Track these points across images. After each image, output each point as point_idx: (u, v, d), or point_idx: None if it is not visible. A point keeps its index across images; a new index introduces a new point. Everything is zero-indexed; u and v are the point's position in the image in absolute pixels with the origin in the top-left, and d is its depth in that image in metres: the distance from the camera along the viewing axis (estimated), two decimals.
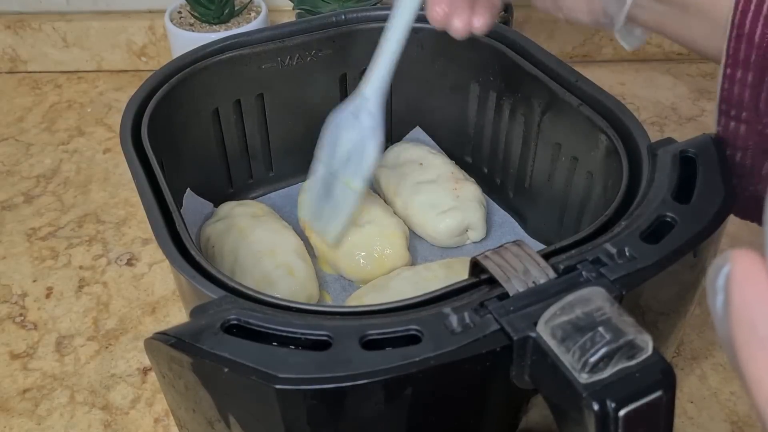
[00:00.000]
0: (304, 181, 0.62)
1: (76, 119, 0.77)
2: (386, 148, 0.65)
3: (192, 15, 0.74)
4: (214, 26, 0.74)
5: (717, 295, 0.19)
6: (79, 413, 0.49)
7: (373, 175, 0.61)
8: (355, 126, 0.48)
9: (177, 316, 0.56)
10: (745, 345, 0.18)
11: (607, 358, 0.27)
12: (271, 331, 0.31)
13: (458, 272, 0.51)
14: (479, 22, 0.44)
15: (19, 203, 0.66)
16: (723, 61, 0.38)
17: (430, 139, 0.65)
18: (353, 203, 0.51)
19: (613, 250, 0.34)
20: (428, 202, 0.57)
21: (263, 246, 0.53)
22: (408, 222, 0.57)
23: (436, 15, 0.44)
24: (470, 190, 0.58)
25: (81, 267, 0.60)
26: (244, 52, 0.55)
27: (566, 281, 0.32)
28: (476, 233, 0.57)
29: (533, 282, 0.32)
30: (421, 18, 0.59)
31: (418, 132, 0.65)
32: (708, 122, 0.76)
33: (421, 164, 0.60)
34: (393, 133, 0.66)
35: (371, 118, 0.48)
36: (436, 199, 0.57)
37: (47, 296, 0.57)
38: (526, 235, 0.59)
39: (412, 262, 0.56)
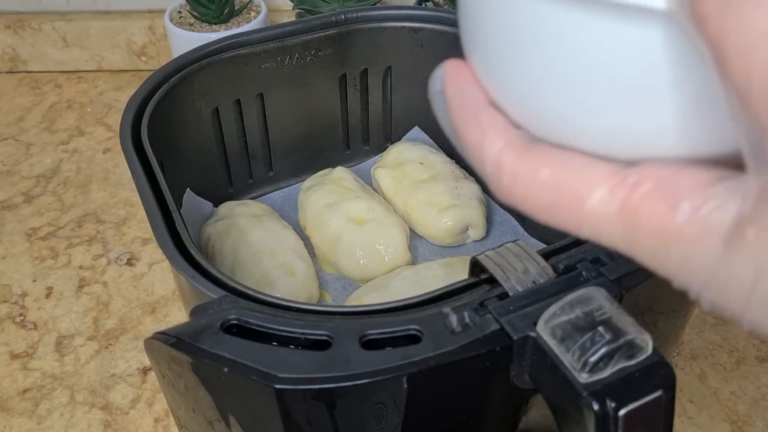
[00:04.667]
0: (303, 181, 0.62)
1: (76, 119, 0.77)
2: (386, 148, 0.65)
3: (192, 15, 0.74)
4: (213, 26, 0.74)
5: (437, 96, 0.22)
6: (79, 413, 0.49)
7: (373, 175, 0.61)
8: None
9: (177, 316, 0.56)
10: (461, 119, 0.20)
11: (607, 358, 0.27)
12: (271, 331, 0.31)
13: (459, 271, 0.50)
14: None
15: (19, 203, 0.66)
16: None
17: (429, 138, 0.65)
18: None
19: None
20: (428, 200, 0.57)
21: (263, 246, 0.53)
22: (408, 221, 0.57)
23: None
24: (471, 188, 0.58)
25: (81, 267, 0.60)
26: (244, 52, 0.55)
27: (566, 281, 0.32)
28: (477, 232, 0.57)
29: (533, 281, 0.32)
30: (420, 18, 0.59)
31: (417, 132, 0.65)
32: None
33: (422, 163, 0.60)
34: (393, 133, 0.66)
35: None
36: (436, 198, 0.57)
37: (47, 296, 0.57)
38: (526, 234, 0.59)
39: (413, 262, 0.56)
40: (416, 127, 0.65)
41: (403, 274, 0.51)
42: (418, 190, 0.58)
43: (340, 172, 0.60)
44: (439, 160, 0.60)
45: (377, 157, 0.65)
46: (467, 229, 0.57)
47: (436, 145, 0.64)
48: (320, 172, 0.61)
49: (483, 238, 0.58)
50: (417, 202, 0.57)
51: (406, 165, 0.60)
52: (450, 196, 0.57)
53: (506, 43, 0.18)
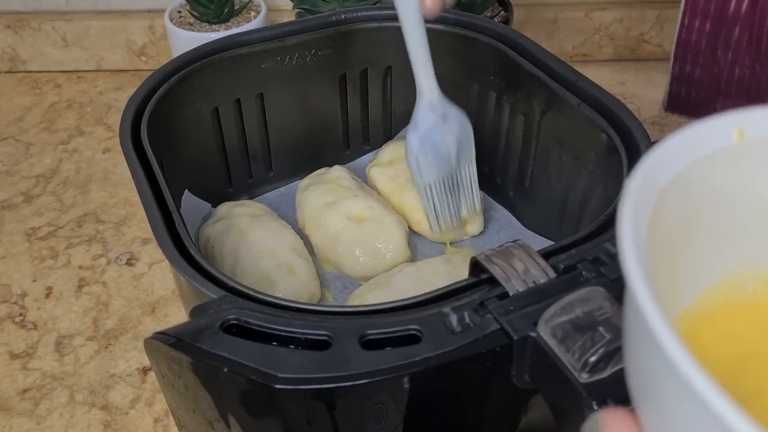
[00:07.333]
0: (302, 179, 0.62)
1: (76, 119, 0.77)
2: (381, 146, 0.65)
3: (191, 14, 0.74)
4: (213, 25, 0.73)
5: None
6: (78, 413, 0.49)
7: (368, 174, 0.61)
8: (448, 127, 0.50)
9: (177, 316, 0.56)
10: None
11: (607, 358, 0.27)
12: (270, 331, 0.31)
13: (459, 267, 0.51)
14: None
15: (19, 203, 0.66)
16: (682, 9, 0.44)
17: None
18: (475, 172, 0.54)
19: (614, 250, 0.34)
20: None
21: (263, 246, 0.53)
22: (406, 219, 0.57)
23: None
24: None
25: (81, 267, 0.60)
26: (244, 52, 0.55)
27: (566, 281, 0.32)
28: (473, 227, 0.57)
29: (533, 281, 0.32)
30: None
31: None
32: None
33: None
34: (393, 132, 0.66)
35: (454, 108, 0.50)
36: None
37: (47, 296, 0.57)
38: (523, 228, 0.59)
39: (413, 259, 0.56)
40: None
41: (404, 271, 0.51)
42: (414, 188, 0.58)
43: (337, 171, 0.60)
44: None
45: (371, 154, 0.65)
46: (464, 224, 0.57)
47: None
48: (317, 171, 0.61)
49: (481, 234, 0.58)
50: (413, 199, 0.57)
51: (401, 163, 0.60)
52: None
53: None
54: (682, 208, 0.19)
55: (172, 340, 0.31)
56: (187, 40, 0.70)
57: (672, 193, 0.18)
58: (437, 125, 0.50)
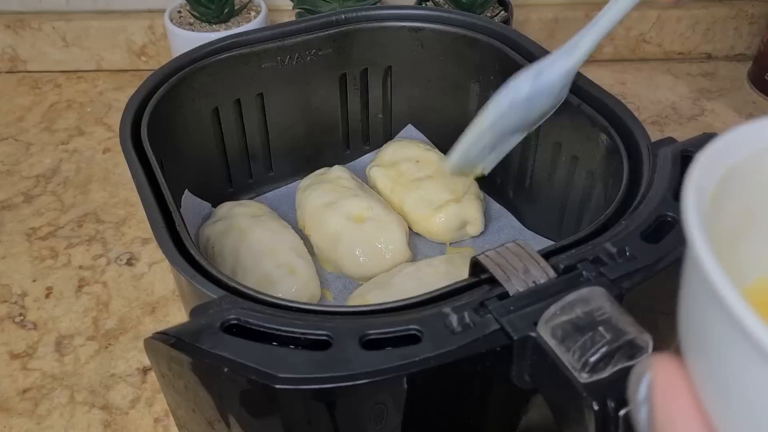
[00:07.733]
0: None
1: (76, 119, 0.77)
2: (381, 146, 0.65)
3: (192, 14, 0.74)
4: (213, 26, 0.73)
5: (640, 409, 0.19)
6: (78, 413, 0.49)
7: (369, 175, 0.61)
8: (550, 101, 0.43)
9: (177, 316, 0.56)
10: None
11: (607, 358, 0.27)
12: (270, 331, 0.31)
13: (459, 267, 0.51)
14: None
15: (19, 203, 0.66)
16: None
17: (423, 135, 0.65)
18: (514, 144, 0.47)
19: (614, 250, 0.34)
20: (425, 197, 0.57)
21: (264, 246, 0.53)
22: (406, 219, 0.57)
23: None
24: (466, 184, 0.58)
25: (81, 267, 0.60)
26: (244, 52, 0.55)
27: (566, 281, 0.32)
28: (474, 227, 0.57)
29: (533, 281, 0.32)
30: (420, 17, 0.59)
31: (410, 129, 0.65)
32: (708, 122, 0.76)
33: (417, 161, 0.60)
34: (393, 132, 0.66)
35: (567, 90, 0.44)
36: (432, 195, 0.57)
37: (47, 296, 0.57)
38: (523, 228, 0.59)
39: (413, 259, 0.56)
40: (409, 124, 0.65)
41: (404, 271, 0.51)
42: (414, 188, 0.58)
43: (337, 171, 0.60)
44: (434, 157, 0.60)
45: (372, 154, 0.65)
46: (465, 225, 0.57)
47: (430, 142, 0.64)
48: (317, 171, 0.61)
49: (481, 234, 0.58)
50: (413, 200, 0.57)
51: (402, 163, 0.60)
52: (446, 194, 0.57)
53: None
54: (747, 193, 0.19)
55: (172, 340, 0.31)
56: (187, 40, 0.70)
57: (738, 175, 0.19)
58: (552, 93, 0.42)
